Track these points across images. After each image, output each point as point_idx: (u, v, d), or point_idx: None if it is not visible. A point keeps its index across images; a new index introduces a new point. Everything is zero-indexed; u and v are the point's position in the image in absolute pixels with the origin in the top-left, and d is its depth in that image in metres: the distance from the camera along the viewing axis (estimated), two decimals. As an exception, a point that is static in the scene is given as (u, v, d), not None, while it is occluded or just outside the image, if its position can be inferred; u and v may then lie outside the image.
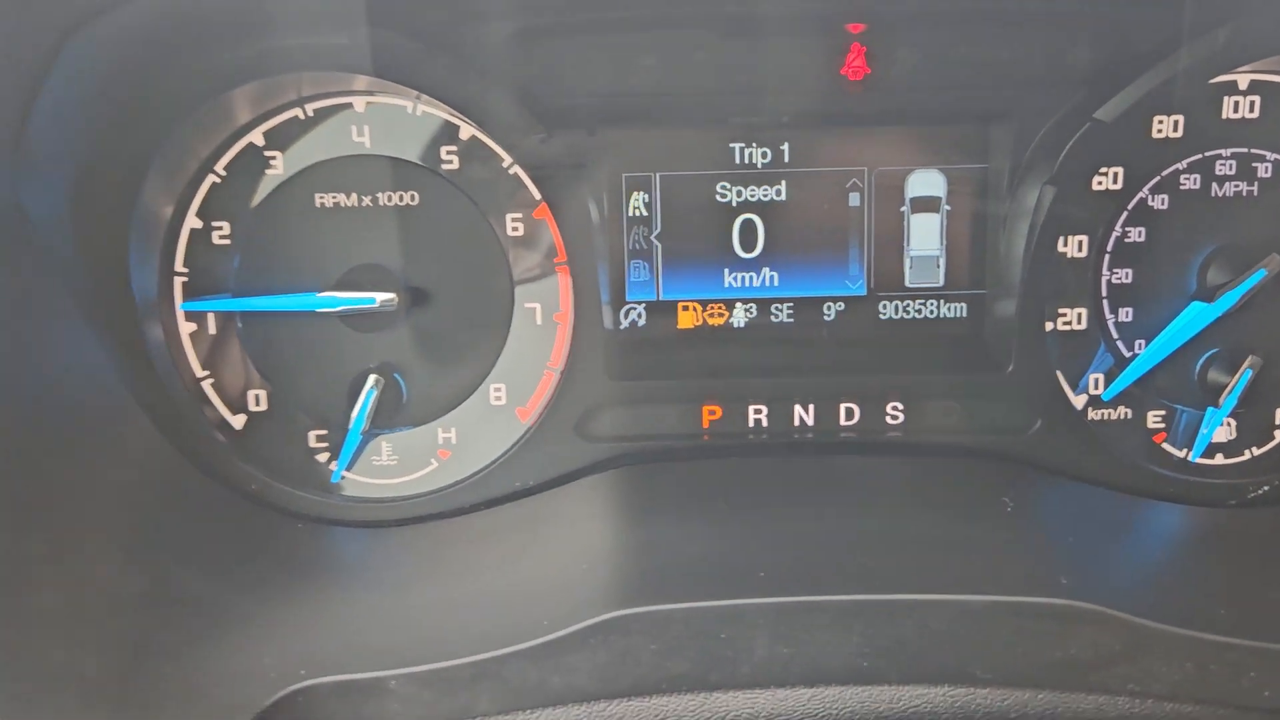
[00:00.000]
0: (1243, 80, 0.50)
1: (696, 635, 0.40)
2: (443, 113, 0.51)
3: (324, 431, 0.53)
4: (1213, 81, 0.50)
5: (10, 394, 0.44)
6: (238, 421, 0.53)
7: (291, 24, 0.49)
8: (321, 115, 0.51)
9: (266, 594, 0.47)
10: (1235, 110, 0.51)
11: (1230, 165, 0.52)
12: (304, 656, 0.42)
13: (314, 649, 0.43)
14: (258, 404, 0.52)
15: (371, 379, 0.52)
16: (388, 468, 0.53)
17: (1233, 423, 0.53)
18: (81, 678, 0.40)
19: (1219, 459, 0.54)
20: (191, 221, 0.52)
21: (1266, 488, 0.52)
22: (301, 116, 0.51)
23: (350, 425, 0.52)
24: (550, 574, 0.46)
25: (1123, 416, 0.53)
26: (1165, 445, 0.53)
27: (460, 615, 0.44)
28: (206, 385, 0.52)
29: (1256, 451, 0.54)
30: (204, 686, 0.41)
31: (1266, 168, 0.52)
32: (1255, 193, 0.51)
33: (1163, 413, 0.53)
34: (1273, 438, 0.53)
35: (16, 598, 0.40)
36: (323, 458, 0.53)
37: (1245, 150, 0.51)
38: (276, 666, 0.42)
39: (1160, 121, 0.49)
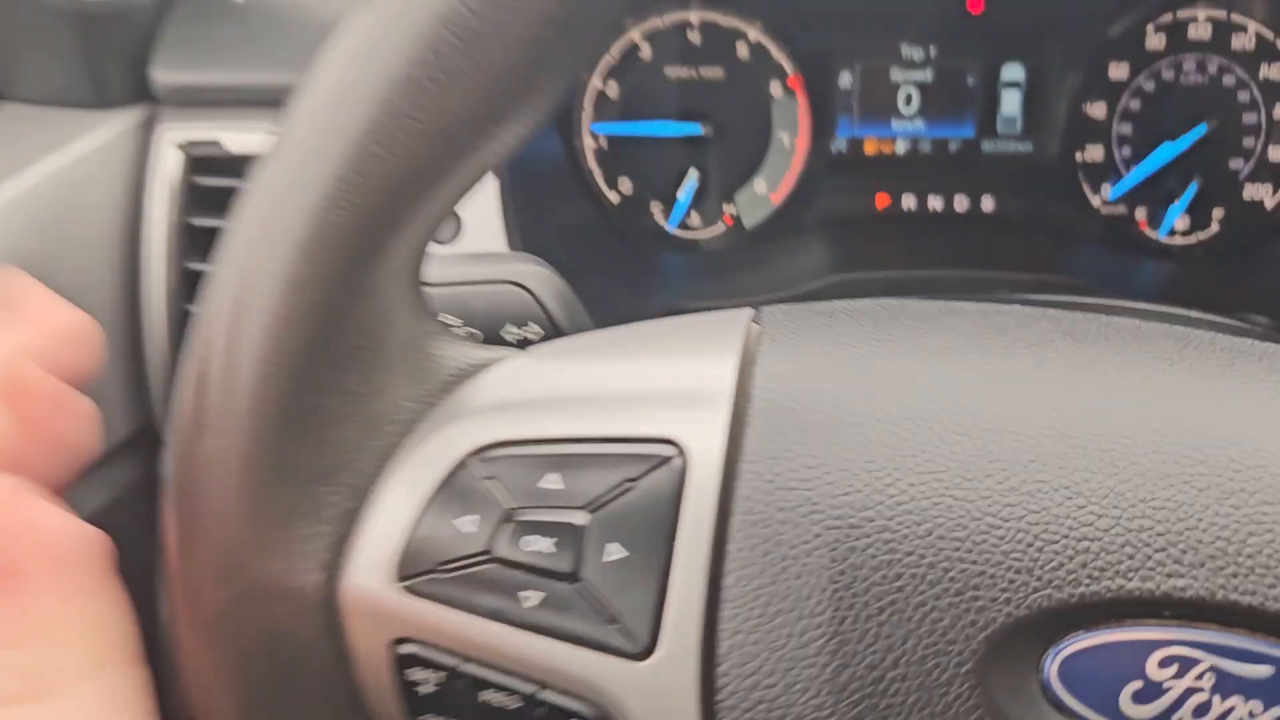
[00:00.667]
0: (1201, 14, 0.79)
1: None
2: (740, 23, 0.82)
3: (662, 204, 0.86)
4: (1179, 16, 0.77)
5: (526, 168, 0.80)
6: (614, 197, 0.86)
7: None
8: (672, 27, 0.82)
9: (644, 278, 0.84)
10: (1198, 34, 0.78)
11: (1193, 63, 0.79)
12: (667, 304, 0.80)
13: (669, 303, 0.80)
14: (627, 189, 0.84)
15: (693, 174, 0.82)
16: (697, 227, 0.84)
17: (1187, 217, 0.82)
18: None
19: (1178, 238, 0.82)
20: (595, 83, 0.89)
21: (1198, 251, 0.81)
22: (663, 25, 0.85)
23: (677, 201, 0.82)
24: (793, 272, 0.83)
25: (1120, 210, 0.81)
26: (1145, 229, 0.82)
27: (742, 284, 0.81)
28: (598, 176, 0.89)
29: (1201, 236, 0.82)
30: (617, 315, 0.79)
31: (1215, 65, 0.78)
32: (1204, 82, 0.83)
33: (1146, 209, 0.81)
34: (1209, 229, 0.81)
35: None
36: (661, 220, 0.87)
37: (1201, 56, 0.80)
38: (656, 307, 0.79)
39: (1147, 37, 0.77)
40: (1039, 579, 0.29)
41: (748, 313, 0.35)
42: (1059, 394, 0.31)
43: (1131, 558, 0.28)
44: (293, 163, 0.31)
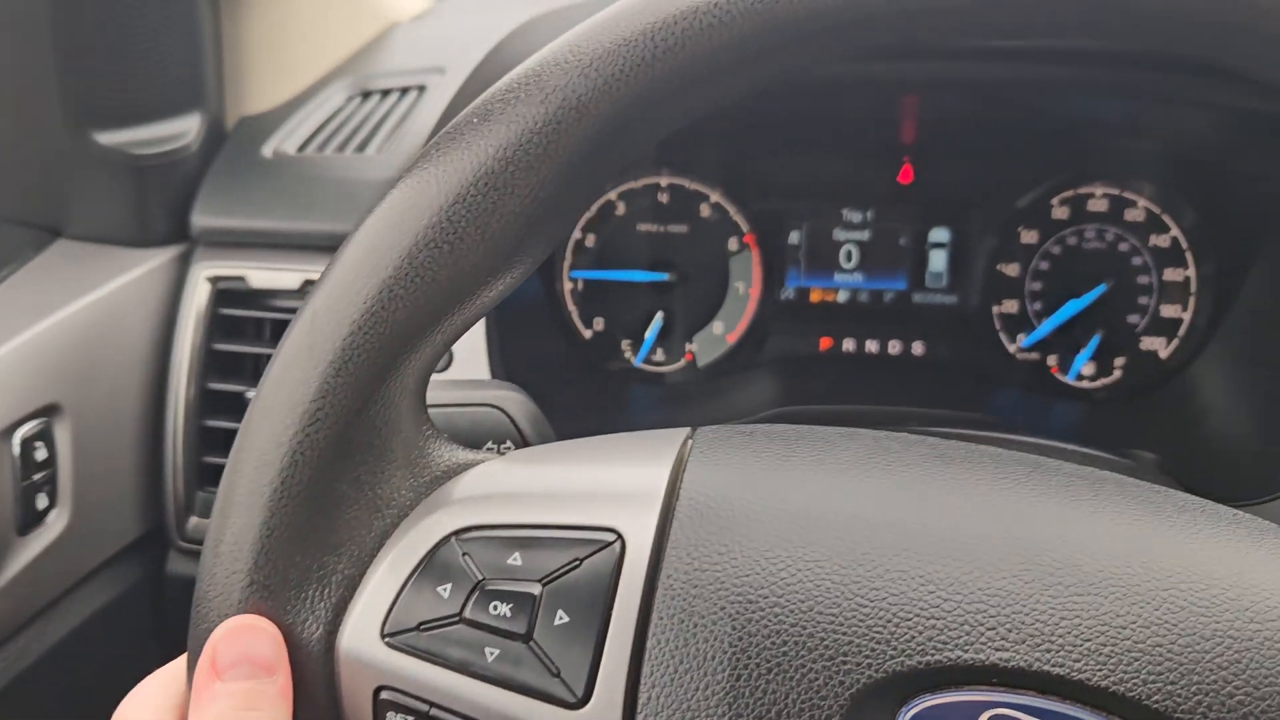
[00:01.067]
0: (1098, 191, 0.95)
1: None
2: (703, 188, 0.98)
3: (631, 341, 0.97)
4: (1080, 192, 0.92)
5: (512, 305, 0.91)
6: (588, 333, 0.95)
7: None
8: (643, 188, 0.99)
9: (616, 405, 0.94)
10: (1096, 207, 0.92)
11: (1093, 232, 0.91)
12: (619, 426, 0.89)
13: (622, 423, 0.89)
14: (600, 326, 0.92)
15: (657, 316, 0.91)
16: (661, 362, 0.91)
17: (1093, 363, 0.91)
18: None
19: (1085, 382, 0.91)
20: (575, 234, 1.00)
21: (1101, 394, 0.89)
22: (636, 186, 0.99)
23: (646, 339, 0.92)
24: (744, 403, 0.93)
25: (1034, 356, 0.89)
26: (1056, 374, 0.92)
27: (696, 414, 0.90)
28: (575, 315, 1.01)
29: (1105, 381, 0.92)
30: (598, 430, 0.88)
31: (1112, 233, 0.92)
32: (1104, 248, 0.96)
33: (1056, 356, 0.90)
34: (1113, 375, 0.91)
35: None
36: (629, 354, 0.99)
37: (1100, 226, 0.95)
38: (609, 426, 0.88)
39: (1052, 209, 0.88)
40: (895, 649, 0.34)
41: (685, 430, 0.41)
42: (923, 503, 0.37)
43: (968, 634, 0.34)
44: (334, 295, 0.38)
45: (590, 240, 0.92)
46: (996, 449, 0.45)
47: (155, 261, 0.82)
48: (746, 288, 0.91)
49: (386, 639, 0.38)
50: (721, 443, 0.41)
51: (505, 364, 0.76)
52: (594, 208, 0.94)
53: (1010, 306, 0.90)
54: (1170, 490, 0.43)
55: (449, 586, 0.37)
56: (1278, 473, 0.72)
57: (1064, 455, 0.69)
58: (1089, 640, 0.33)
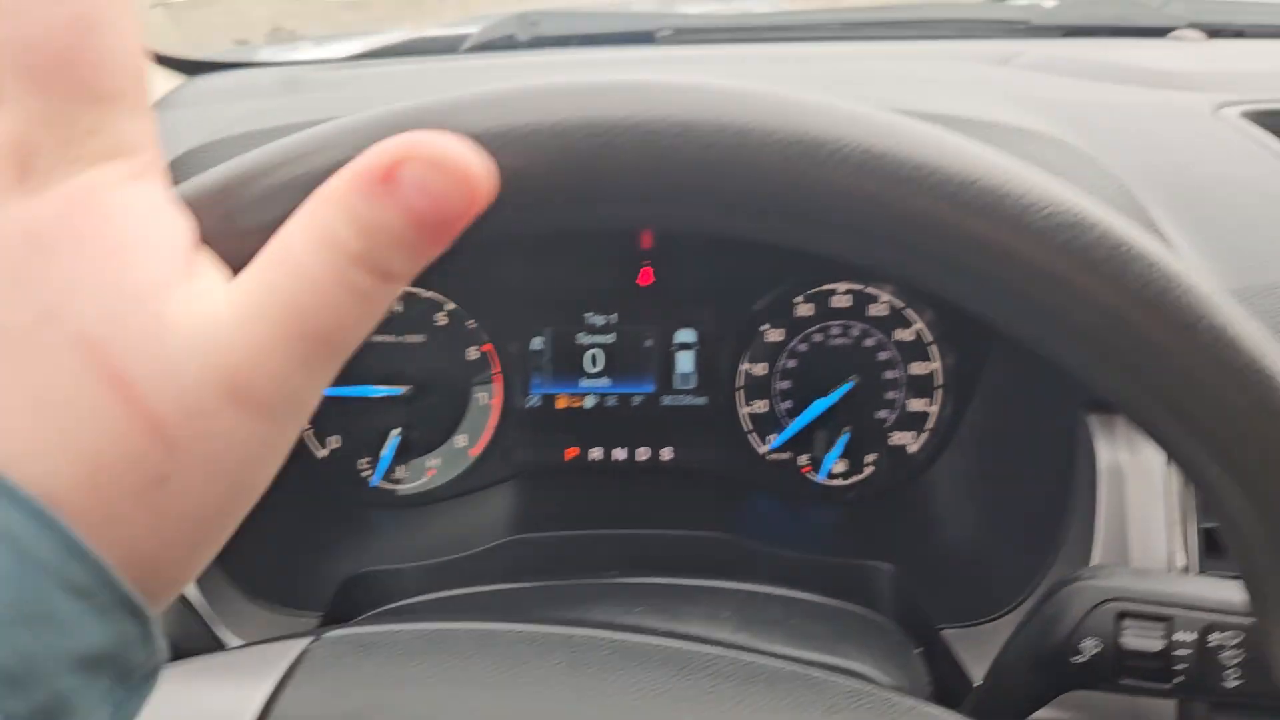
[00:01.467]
0: (841, 287, 0.95)
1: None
2: (437, 296, 0.94)
3: (368, 459, 0.95)
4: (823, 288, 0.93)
5: None
6: (321, 453, 0.94)
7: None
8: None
9: (345, 533, 0.89)
10: (839, 303, 0.96)
11: (839, 328, 0.95)
12: (362, 560, 0.84)
13: (364, 558, 0.85)
14: (336, 444, 0.91)
15: (394, 433, 0.91)
16: (402, 479, 0.91)
17: (845, 461, 0.95)
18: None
19: (838, 480, 0.94)
20: None
21: (852, 494, 0.91)
22: None
23: (381, 458, 0.94)
24: (486, 524, 0.89)
25: (785, 457, 0.89)
26: (807, 474, 0.94)
27: (432, 540, 0.86)
28: (309, 433, 0.95)
29: (855, 479, 0.95)
30: (312, 572, 0.83)
31: (858, 329, 0.95)
32: (849, 343, 0.96)
33: (807, 456, 0.92)
34: (863, 473, 0.95)
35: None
36: (366, 474, 0.95)
37: (846, 322, 0.96)
38: (351, 564, 0.84)
39: (795, 307, 0.88)
40: None
41: (304, 643, 0.40)
42: None
43: None
44: None
45: (320, 354, 0.86)
46: (649, 644, 0.43)
47: None
48: (489, 398, 0.89)
49: None
50: (334, 660, 0.40)
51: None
52: (323, 319, 0.88)
53: (760, 406, 0.89)
54: (830, 680, 0.41)
55: None
56: (1001, 589, 0.71)
57: (773, 602, 0.67)
58: None
